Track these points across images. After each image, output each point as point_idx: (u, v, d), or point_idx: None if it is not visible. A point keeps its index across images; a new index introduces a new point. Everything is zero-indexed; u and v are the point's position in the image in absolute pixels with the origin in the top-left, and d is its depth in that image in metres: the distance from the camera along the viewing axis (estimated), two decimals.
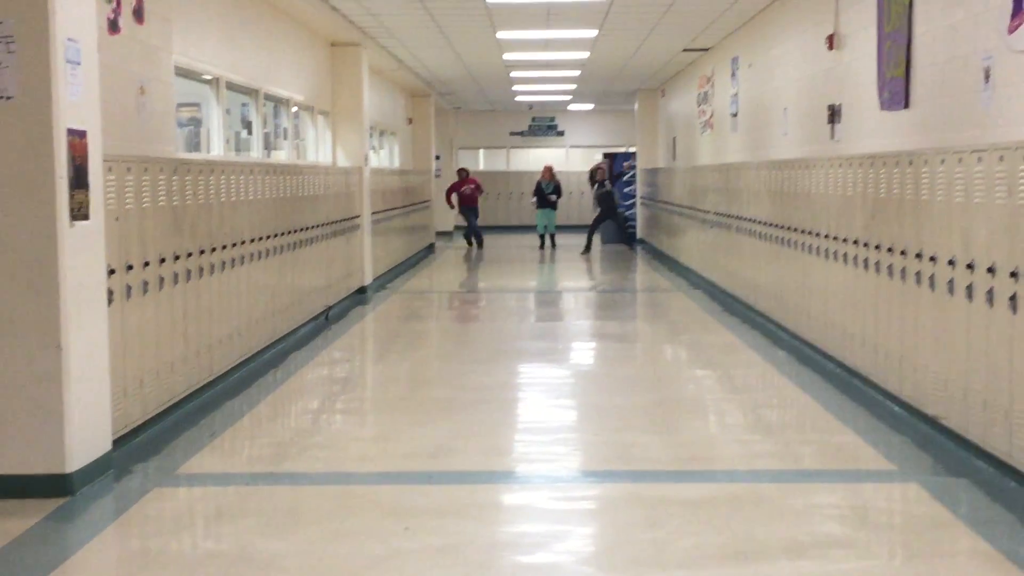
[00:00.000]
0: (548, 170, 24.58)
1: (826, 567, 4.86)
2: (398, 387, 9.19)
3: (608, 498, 6.00)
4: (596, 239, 23.42)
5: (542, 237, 23.99)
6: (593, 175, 23.66)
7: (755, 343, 10.70)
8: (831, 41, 10.30)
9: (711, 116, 17.50)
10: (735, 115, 15.39)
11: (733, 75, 15.50)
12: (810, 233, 9.84)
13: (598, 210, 23.04)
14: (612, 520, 5.63)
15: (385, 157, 21.37)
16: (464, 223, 24.97)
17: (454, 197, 24.69)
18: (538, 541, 5.26)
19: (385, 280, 17.08)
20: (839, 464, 6.66)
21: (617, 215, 23.40)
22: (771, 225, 11.36)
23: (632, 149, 27.15)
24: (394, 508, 5.71)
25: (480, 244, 24.24)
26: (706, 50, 17.38)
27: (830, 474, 6.43)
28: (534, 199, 24.04)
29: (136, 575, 4.92)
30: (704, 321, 12.57)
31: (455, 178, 25.95)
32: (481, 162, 32.60)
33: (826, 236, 9.31)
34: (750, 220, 12.50)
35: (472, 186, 24.75)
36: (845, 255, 8.75)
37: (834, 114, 10.29)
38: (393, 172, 20.36)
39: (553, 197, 23.99)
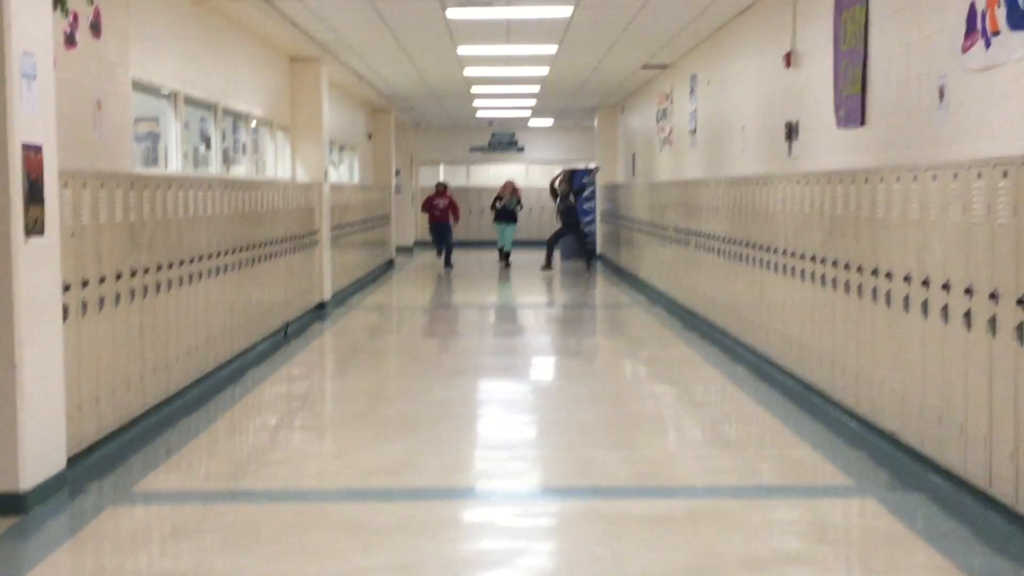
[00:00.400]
0: (510, 185, 24.01)
1: None
2: (357, 403, 9.14)
3: (568, 514, 6.00)
4: (555, 254, 23.38)
5: (501, 251, 23.36)
6: (554, 187, 22.87)
7: (714, 359, 10.75)
8: (788, 59, 10.39)
9: (670, 132, 17.60)
10: (694, 132, 15.49)
11: (692, 92, 15.59)
12: (768, 249, 9.90)
13: (559, 224, 22.62)
14: (572, 536, 5.62)
15: (345, 172, 21.33)
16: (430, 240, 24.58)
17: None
18: (498, 558, 5.25)
19: (345, 295, 17.02)
20: (797, 480, 6.69)
21: (579, 230, 22.68)
22: (729, 241, 11.43)
23: (592, 165, 27.23)
24: (353, 525, 5.68)
25: (447, 263, 23.27)
26: (665, 67, 17.48)
27: (788, 490, 6.46)
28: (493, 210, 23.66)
29: None
30: (663, 337, 12.61)
31: (424, 194, 25.70)
32: (442, 177, 32.56)
33: (784, 252, 9.37)
34: (709, 236, 12.56)
35: (446, 201, 23.97)
36: (803, 271, 8.81)
37: (791, 131, 10.37)
38: (353, 187, 20.32)
39: (519, 209, 23.74)
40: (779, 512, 5.95)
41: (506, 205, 23.53)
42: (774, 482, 6.70)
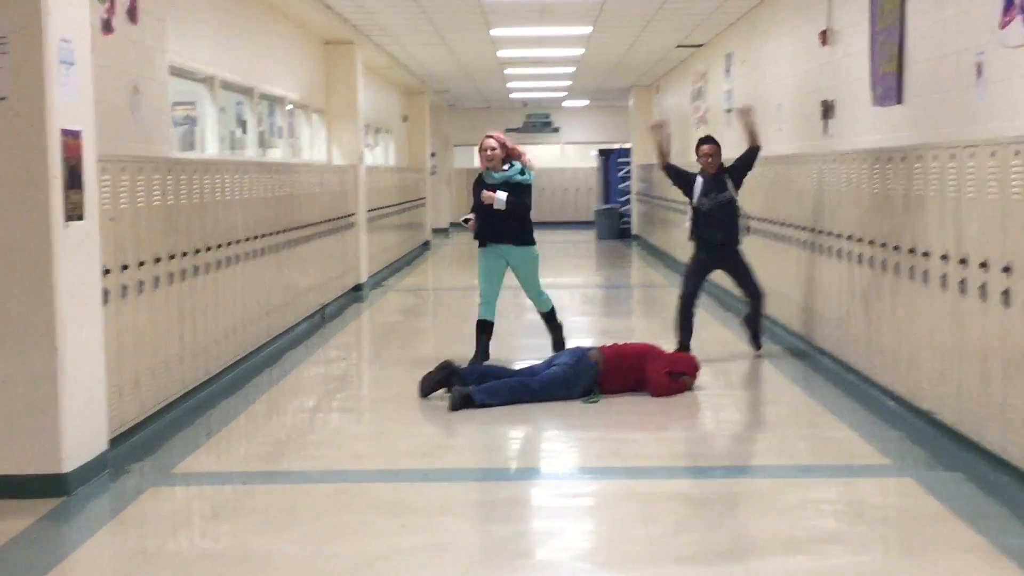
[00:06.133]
0: (501, 149, 9.40)
1: (821, 562, 4.87)
2: (394, 385, 9.17)
3: (604, 494, 6.02)
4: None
5: (482, 328, 9.39)
6: (675, 168, 9.99)
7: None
8: (824, 37, 10.31)
9: (705, 112, 17.52)
10: (729, 111, 15.40)
11: (727, 71, 15.51)
12: (804, 229, 9.85)
13: (720, 238, 9.67)
14: (608, 516, 5.64)
15: (380, 155, 21.37)
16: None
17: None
18: (534, 538, 5.27)
19: (381, 277, 17.08)
20: (834, 459, 6.67)
21: (742, 262, 9.80)
22: (765, 221, 11.37)
23: (627, 145, 27.16)
24: (390, 506, 5.72)
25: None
26: (700, 46, 17.39)
27: (825, 469, 6.45)
28: (468, 217, 9.44)
29: (133, 575, 4.93)
30: (699, 317, 12.54)
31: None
32: (476, 159, 32.57)
33: (820, 232, 9.32)
34: (744, 216, 12.49)
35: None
36: (839, 250, 8.76)
37: (827, 110, 10.30)
38: (388, 170, 20.36)
39: (501, 203, 9.15)
40: (816, 492, 5.94)
41: (489, 185, 9.39)
42: (811, 462, 6.69)
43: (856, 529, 5.32)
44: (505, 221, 9.24)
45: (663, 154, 9.98)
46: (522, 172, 9.35)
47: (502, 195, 9.14)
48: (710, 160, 9.69)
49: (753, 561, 4.86)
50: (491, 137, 9.42)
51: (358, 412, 8.35)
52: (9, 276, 5.74)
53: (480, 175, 9.52)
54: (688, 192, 9.75)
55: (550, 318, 9.80)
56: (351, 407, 8.55)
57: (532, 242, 9.43)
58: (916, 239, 7.12)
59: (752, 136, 9.80)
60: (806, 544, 5.06)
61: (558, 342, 9.79)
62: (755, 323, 9.76)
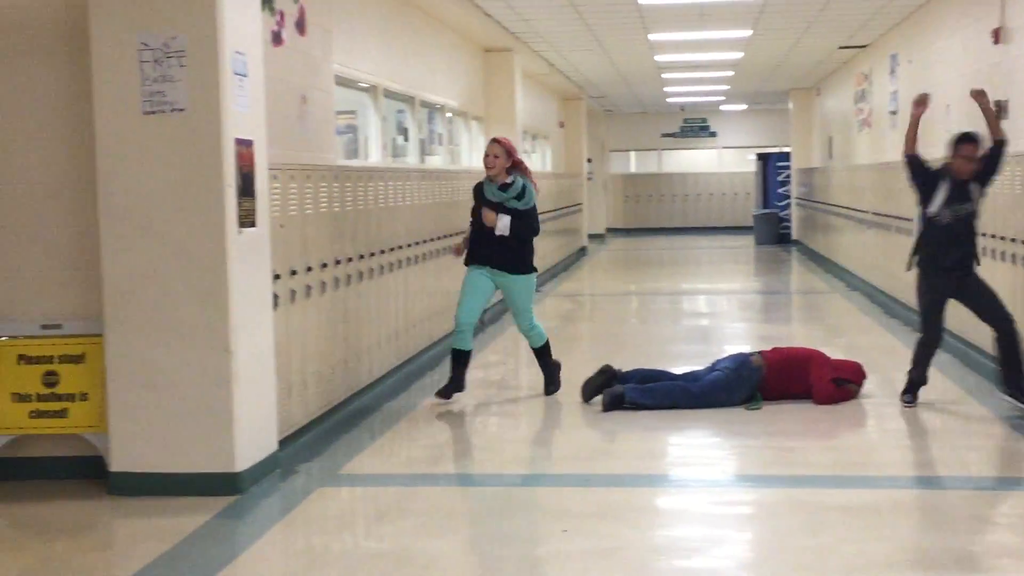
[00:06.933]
0: (506, 158, 8.45)
1: None
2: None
3: (766, 503, 5.92)
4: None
5: (458, 358, 8.43)
6: (921, 162, 8.00)
7: None
8: (997, 35, 9.98)
9: (869, 114, 17.13)
10: (894, 113, 15.03)
11: (892, 72, 15.13)
12: None
13: (954, 259, 7.72)
14: (771, 526, 5.55)
15: (537, 161, 21.47)
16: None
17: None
18: (696, 546, 5.22)
19: (538, 283, 17.12)
20: (1010, 471, 6.45)
21: (987, 288, 7.83)
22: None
23: (787, 149, 26.72)
24: (552, 510, 5.74)
25: None
26: (863, 47, 17.02)
27: (1000, 481, 6.24)
28: (464, 239, 8.74)
29: (302, 573, 5.05)
30: (863, 324, 12.29)
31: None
32: (633, 164, 32.49)
33: (991, 236, 9.02)
34: (910, 220, 12.16)
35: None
36: (1014, 255, 8.46)
37: (1000, 110, 9.95)
38: (545, 175, 20.43)
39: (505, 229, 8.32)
40: (990, 505, 5.75)
41: (488, 200, 8.44)
42: (984, 473, 6.48)
43: None
44: (501, 244, 8.33)
45: (914, 138, 8.01)
46: (520, 195, 8.34)
47: (505, 219, 8.24)
48: (970, 165, 7.65)
49: (926, 575, 4.72)
50: (496, 142, 8.46)
51: (517, 416, 8.40)
52: (186, 281, 5.95)
53: (480, 183, 8.54)
54: (926, 198, 7.82)
55: (543, 353, 8.76)
56: (511, 411, 8.59)
57: (530, 270, 8.63)
58: None
59: (992, 127, 7.78)
60: (982, 558, 4.90)
61: (551, 380, 8.75)
62: (1015, 363, 7.59)
